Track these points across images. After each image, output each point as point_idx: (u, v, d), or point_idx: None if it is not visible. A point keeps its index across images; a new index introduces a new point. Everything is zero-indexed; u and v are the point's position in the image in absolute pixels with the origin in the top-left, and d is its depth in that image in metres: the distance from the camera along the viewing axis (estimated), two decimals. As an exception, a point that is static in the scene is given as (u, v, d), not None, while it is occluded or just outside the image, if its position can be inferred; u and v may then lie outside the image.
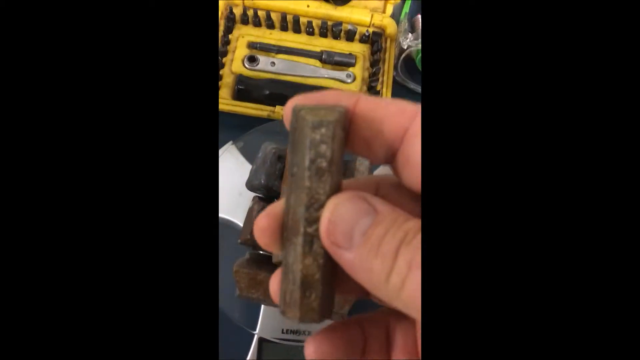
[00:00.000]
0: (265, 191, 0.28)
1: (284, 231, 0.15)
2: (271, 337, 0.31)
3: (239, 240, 0.28)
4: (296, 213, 0.14)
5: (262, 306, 0.32)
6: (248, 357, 0.32)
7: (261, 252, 0.29)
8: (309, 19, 0.42)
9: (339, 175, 0.14)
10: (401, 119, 0.14)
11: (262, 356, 0.32)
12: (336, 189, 0.14)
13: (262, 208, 0.27)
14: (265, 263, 0.28)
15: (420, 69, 0.43)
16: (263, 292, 0.27)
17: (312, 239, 0.14)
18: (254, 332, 0.32)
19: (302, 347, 0.32)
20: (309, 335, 0.32)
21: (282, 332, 0.32)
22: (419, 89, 0.43)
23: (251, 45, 0.40)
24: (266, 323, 0.32)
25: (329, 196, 0.14)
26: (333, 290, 0.15)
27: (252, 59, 0.39)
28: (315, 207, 0.14)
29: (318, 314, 0.15)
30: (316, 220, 0.14)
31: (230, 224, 0.34)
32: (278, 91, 0.38)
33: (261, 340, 0.32)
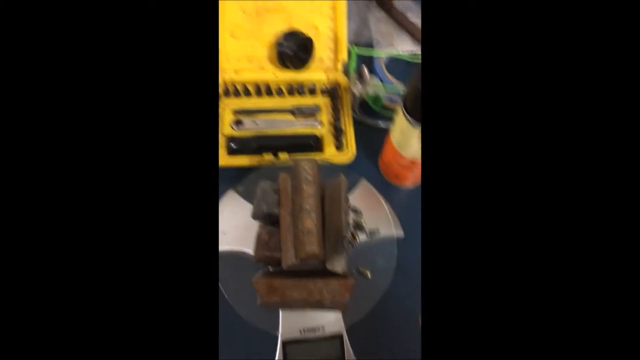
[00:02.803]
0: (267, 218, 0.37)
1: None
2: (293, 337, 0.38)
3: (254, 259, 0.36)
4: (301, 205, 0.32)
5: (281, 312, 0.39)
6: (276, 358, 0.38)
7: (271, 268, 0.37)
8: (278, 84, 0.53)
9: (317, 186, 0.32)
10: None
11: (287, 355, 0.38)
12: (318, 195, 0.32)
13: (268, 231, 0.36)
14: (277, 274, 0.36)
15: (372, 105, 0.54)
16: (280, 295, 0.35)
17: (310, 212, 0.32)
18: (277, 334, 0.38)
19: (321, 341, 0.38)
20: (322, 331, 0.39)
21: (301, 333, 0.38)
22: (376, 123, 0.53)
23: (236, 112, 0.50)
24: (286, 326, 0.39)
25: (314, 192, 0.32)
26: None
27: (238, 122, 0.49)
28: (308, 197, 0.32)
29: (317, 247, 0.31)
30: (309, 204, 0.32)
31: (242, 253, 0.42)
32: (263, 143, 0.47)
33: (284, 342, 0.39)
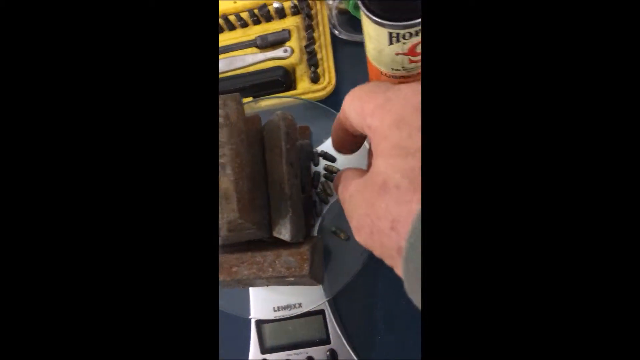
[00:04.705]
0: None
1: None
2: (266, 317, 0.32)
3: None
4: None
5: (251, 291, 0.33)
6: (251, 341, 0.33)
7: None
8: (238, 13, 0.43)
9: (238, 130, 0.24)
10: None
11: (263, 337, 0.33)
12: (240, 141, 0.24)
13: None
14: (226, 247, 0.29)
15: (355, 15, 0.42)
16: (226, 273, 0.28)
17: (225, 167, 0.23)
18: (249, 317, 0.32)
19: (295, 319, 0.32)
20: (300, 307, 0.32)
21: (274, 310, 0.32)
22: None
23: (193, 57, 0.42)
24: (258, 306, 0.32)
25: (228, 138, 0.24)
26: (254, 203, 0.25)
27: (194, 69, 0.41)
28: (221, 147, 0.24)
29: (237, 213, 0.23)
30: (223, 155, 0.23)
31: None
32: (220, 89, 0.39)
33: (258, 322, 0.33)
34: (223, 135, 0.24)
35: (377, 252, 0.18)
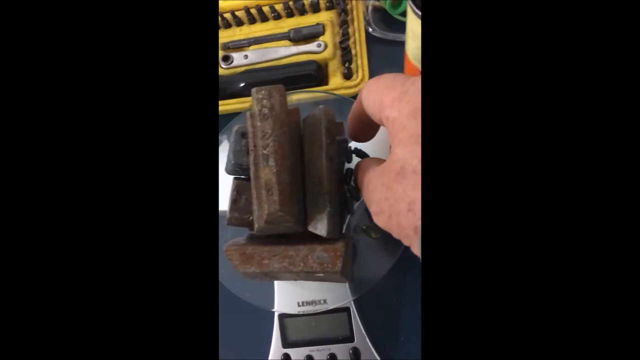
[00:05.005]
0: (240, 170, 0.29)
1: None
2: (289, 312, 0.32)
3: (226, 222, 0.30)
4: (257, 148, 0.23)
5: (276, 284, 0.33)
6: (274, 334, 0.33)
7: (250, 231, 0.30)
8: (272, 4, 0.42)
9: (281, 122, 0.23)
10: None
11: (286, 331, 0.32)
12: (284, 133, 0.23)
13: (237, 187, 0.28)
14: (253, 240, 0.29)
15: (391, 13, 0.41)
16: (257, 265, 0.28)
17: (267, 158, 0.23)
18: (273, 310, 0.32)
19: (319, 315, 0.32)
20: (325, 304, 0.32)
21: (299, 305, 0.32)
22: (397, 37, 0.41)
23: (224, 46, 0.42)
24: (282, 299, 0.32)
25: (272, 129, 0.23)
26: (297, 197, 0.24)
27: (225, 59, 0.41)
28: (265, 138, 0.23)
29: (278, 205, 0.23)
30: (266, 146, 0.23)
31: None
32: (252, 80, 0.39)
33: (281, 316, 0.33)
34: (267, 126, 0.23)
35: (395, 233, 0.19)
